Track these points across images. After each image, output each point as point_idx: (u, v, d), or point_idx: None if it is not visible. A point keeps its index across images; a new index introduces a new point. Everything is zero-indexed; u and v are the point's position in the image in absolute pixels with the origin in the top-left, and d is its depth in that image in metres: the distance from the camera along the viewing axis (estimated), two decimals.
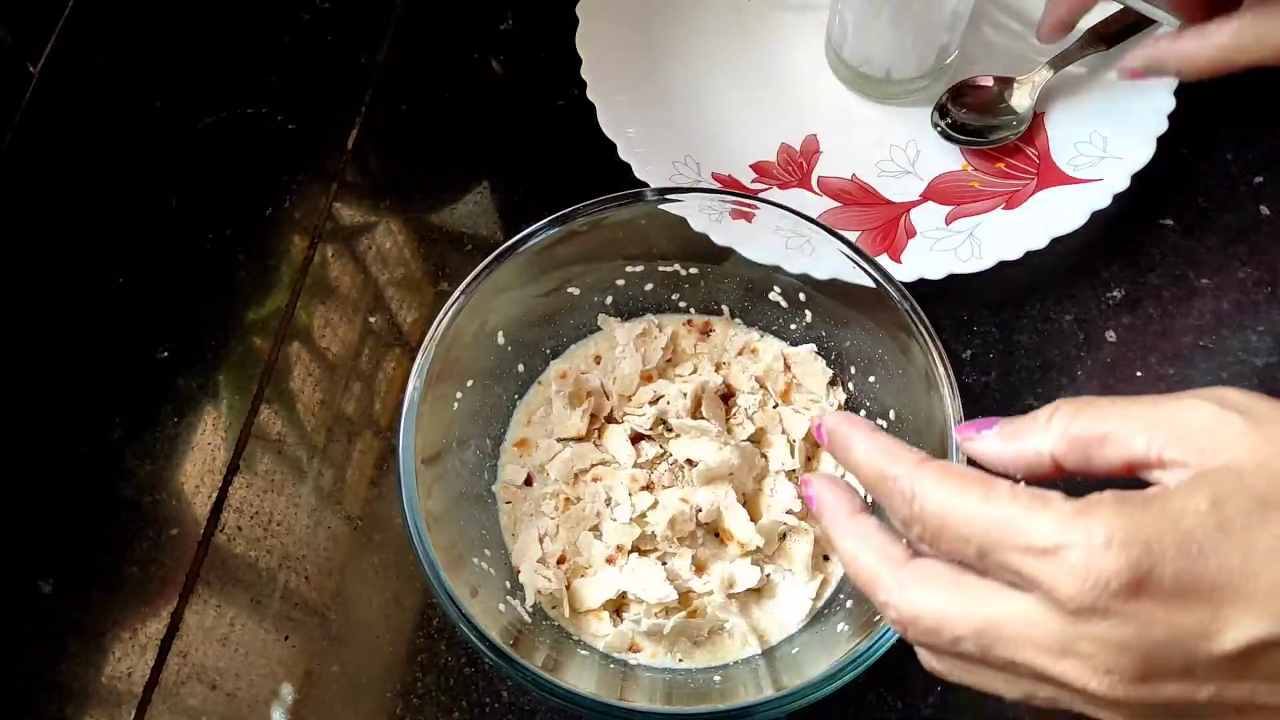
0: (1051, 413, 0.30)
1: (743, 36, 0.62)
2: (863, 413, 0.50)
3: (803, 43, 0.61)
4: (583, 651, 0.46)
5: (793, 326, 0.51)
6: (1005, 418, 0.32)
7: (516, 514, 0.49)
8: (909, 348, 0.45)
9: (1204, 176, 0.58)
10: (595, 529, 0.48)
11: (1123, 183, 0.54)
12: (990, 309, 0.55)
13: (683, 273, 0.51)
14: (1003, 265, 0.52)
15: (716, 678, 0.45)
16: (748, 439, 0.49)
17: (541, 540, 0.47)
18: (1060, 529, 0.27)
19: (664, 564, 0.46)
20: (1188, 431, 0.29)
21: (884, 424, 0.49)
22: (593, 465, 0.49)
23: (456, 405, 0.47)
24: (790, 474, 0.48)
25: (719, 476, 0.47)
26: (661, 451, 0.49)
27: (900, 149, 0.58)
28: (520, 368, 0.51)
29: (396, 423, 0.44)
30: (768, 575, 0.47)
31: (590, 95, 0.57)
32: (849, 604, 0.45)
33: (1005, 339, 0.54)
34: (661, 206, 0.48)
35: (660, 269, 0.51)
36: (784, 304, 0.51)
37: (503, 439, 0.50)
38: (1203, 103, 0.56)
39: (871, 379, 0.49)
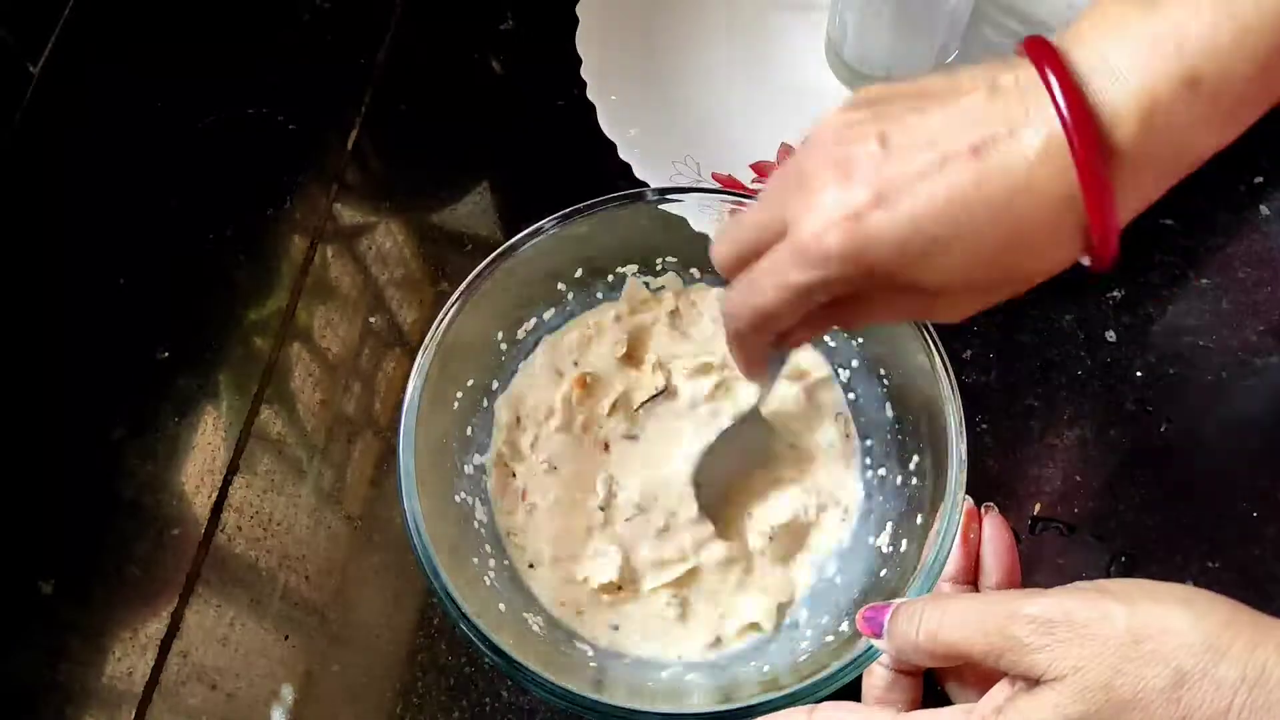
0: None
1: (743, 36, 0.62)
2: (863, 417, 0.50)
3: (803, 43, 0.61)
4: (583, 651, 0.46)
5: None
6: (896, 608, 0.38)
7: (515, 513, 0.49)
8: (909, 348, 0.45)
9: (1204, 176, 0.57)
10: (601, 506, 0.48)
11: None
12: (990, 309, 0.54)
13: (683, 272, 0.51)
14: None
15: (716, 677, 0.45)
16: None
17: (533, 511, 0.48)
18: None
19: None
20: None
21: (883, 426, 0.49)
22: (588, 422, 0.50)
23: (456, 405, 0.47)
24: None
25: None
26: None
27: None
28: (521, 367, 0.51)
29: (396, 423, 0.44)
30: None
31: (590, 95, 0.57)
32: (850, 605, 0.46)
33: (1005, 339, 0.54)
34: (661, 206, 0.48)
35: (660, 269, 0.51)
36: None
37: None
38: None
39: (872, 379, 0.49)
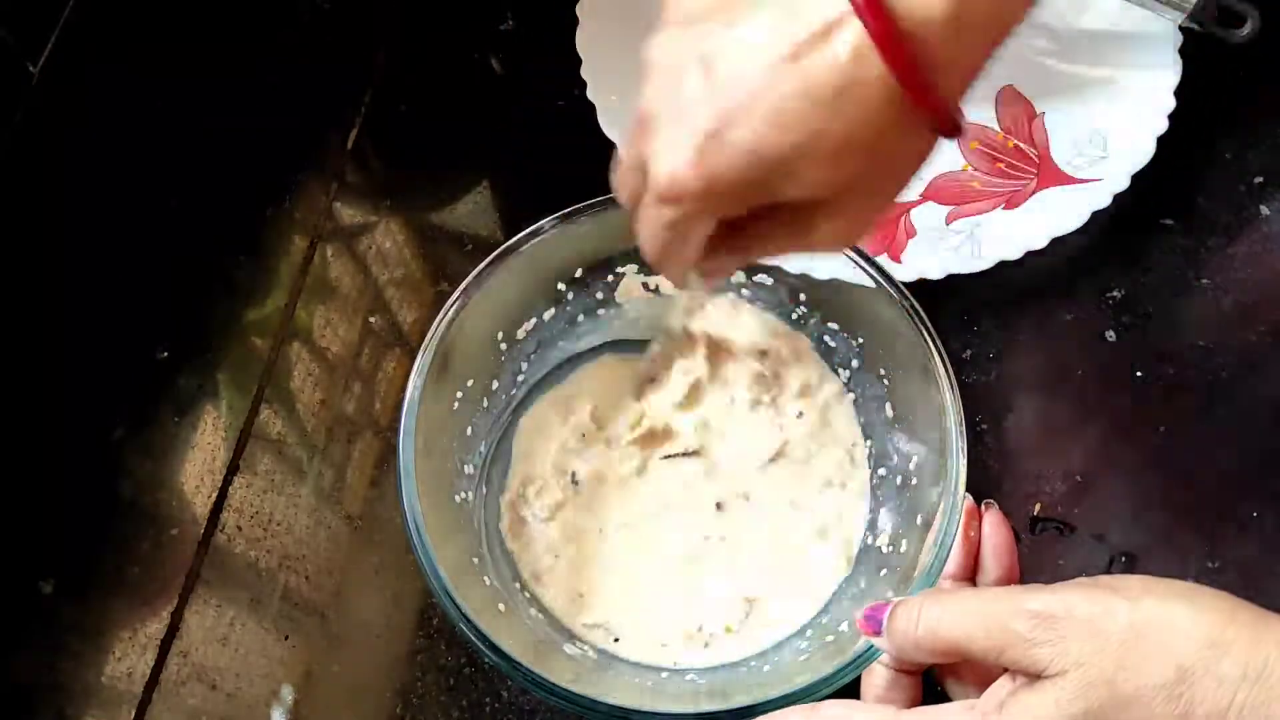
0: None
1: None
2: (862, 417, 0.50)
3: None
4: (583, 651, 0.46)
5: (793, 325, 0.51)
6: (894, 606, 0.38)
7: (517, 514, 0.49)
8: (909, 347, 0.45)
9: (1204, 176, 0.58)
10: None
11: (1123, 183, 0.54)
12: (990, 309, 0.55)
13: None
14: (1003, 265, 0.52)
15: (716, 677, 0.45)
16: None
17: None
18: None
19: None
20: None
21: (883, 424, 0.49)
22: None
23: (456, 405, 0.47)
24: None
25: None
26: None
27: None
28: (521, 367, 0.51)
29: (396, 423, 0.44)
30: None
31: (590, 95, 0.57)
32: (849, 603, 0.46)
33: (1005, 339, 0.54)
34: None
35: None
36: (784, 304, 0.51)
37: (502, 438, 0.50)
38: (1203, 103, 0.56)
39: (872, 378, 0.49)
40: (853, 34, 0.30)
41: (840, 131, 0.31)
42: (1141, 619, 0.32)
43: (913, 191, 0.57)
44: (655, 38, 0.34)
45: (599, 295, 0.51)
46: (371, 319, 0.56)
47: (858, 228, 0.36)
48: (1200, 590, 0.33)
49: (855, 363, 0.50)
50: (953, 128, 0.32)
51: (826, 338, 0.51)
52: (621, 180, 0.38)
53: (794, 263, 0.49)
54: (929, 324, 0.45)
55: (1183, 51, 0.56)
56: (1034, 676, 0.33)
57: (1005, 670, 0.35)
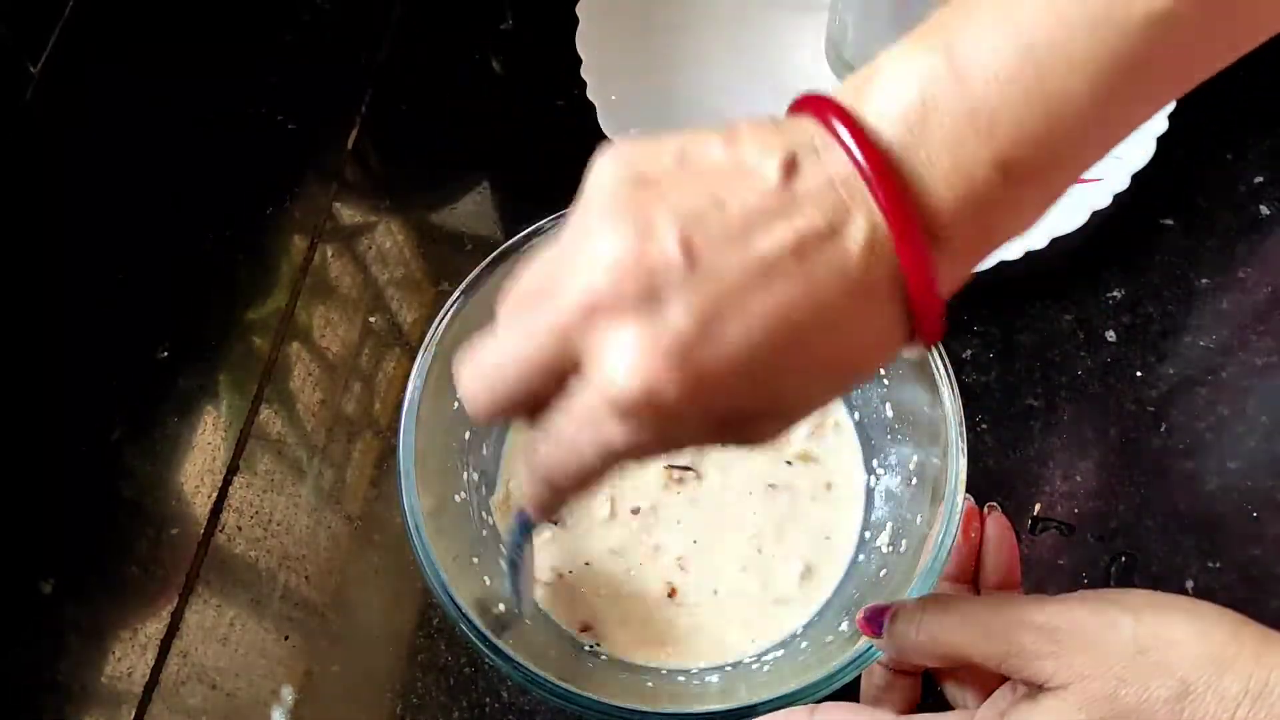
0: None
1: (743, 36, 0.62)
2: (859, 415, 0.50)
3: (803, 43, 0.61)
4: (583, 651, 0.46)
5: None
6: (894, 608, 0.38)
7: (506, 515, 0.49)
8: None
9: (1204, 176, 0.58)
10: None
11: (1123, 183, 0.54)
12: (990, 309, 0.55)
13: None
14: (1003, 265, 0.52)
15: (715, 677, 0.45)
16: None
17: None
18: None
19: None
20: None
21: (883, 426, 0.49)
22: None
23: (456, 405, 0.47)
24: None
25: None
26: None
27: None
28: None
29: (396, 423, 0.44)
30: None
31: (590, 95, 0.57)
32: (850, 604, 0.45)
33: (1005, 339, 0.54)
34: None
35: None
36: None
37: (503, 438, 0.50)
38: (1203, 103, 0.56)
39: (871, 379, 0.49)
40: (867, 234, 0.26)
41: (840, 339, 0.27)
42: (1145, 634, 0.32)
43: None
44: (603, 170, 0.27)
45: None
46: (371, 319, 0.56)
47: (784, 431, 0.30)
48: (1204, 607, 0.33)
49: None
50: (938, 335, 0.28)
51: None
52: (498, 383, 0.29)
53: None
54: None
55: None
56: (1035, 688, 0.33)
57: (1005, 678, 0.35)
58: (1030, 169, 0.27)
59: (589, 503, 0.49)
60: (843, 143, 0.26)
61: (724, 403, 0.27)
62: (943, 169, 0.26)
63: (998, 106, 0.26)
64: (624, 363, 0.26)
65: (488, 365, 0.29)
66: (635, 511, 0.48)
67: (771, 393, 0.27)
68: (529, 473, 0.31)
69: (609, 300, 0.26)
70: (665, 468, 0.49)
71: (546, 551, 0.48)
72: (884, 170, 0.26)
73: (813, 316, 0.26)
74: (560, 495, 0.30)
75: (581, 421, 0.28)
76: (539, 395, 0.29)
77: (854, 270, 0.26)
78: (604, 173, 0.27)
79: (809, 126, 0.27)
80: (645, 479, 0.49)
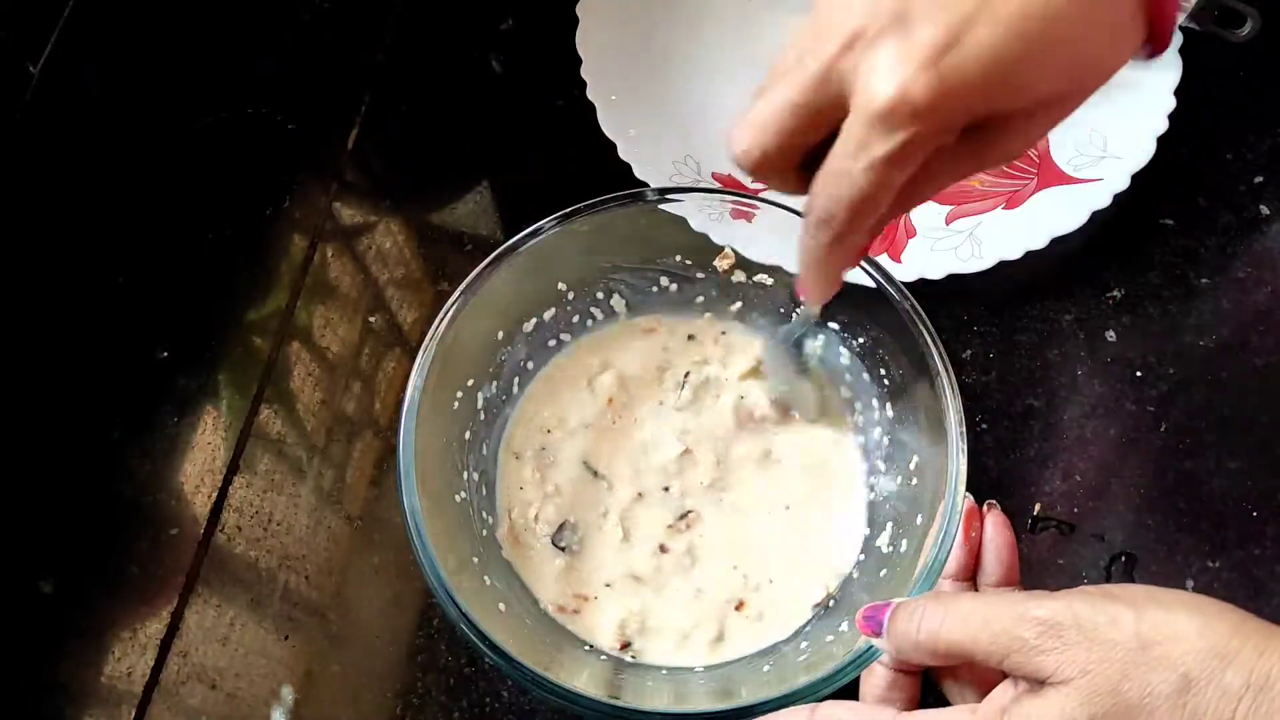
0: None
1: (743, 37, 0.62)
2: (860, 417, 0.50)
3: None
4: (583, 651, 0.46)
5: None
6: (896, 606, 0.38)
7: (516, 510, 0.49)
8: (909, 347, 0.45)
9: (1204, 176, 0.58)
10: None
11: (1123, 183, 0.54)
12: (990, 309, 0.55)
13: (683, 273, 0.51)
14: (1003, 265, 0.52)
15: (716, 677, 0.45)
16: None
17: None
18: None
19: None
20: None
21: (882, 426, 0.49)
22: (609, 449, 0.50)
23: (456, 405, 0.47)
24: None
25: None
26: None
27: None
28: (521, 367, 0.51)
29: (396, 423, 0.44)
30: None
31: (590, 95, 0.57)
32: (851, 603, 0.45)
33: (1005, 339, 0.54)
34: (661, 206, 0.48)
35: (661, 269, 0.51)
36: (785, 304, 0.51)
37: (503, 439, 0.50)
38: (1203, 103, 0.56)
39: (871, 378, 0.49)
40: None
41: (1077, 32, 0.30)
42: (1147, 629, 0.32)
43: None
44: None
45: (599, 295, 0.51)
46: (371, 319, 0.56)
47: (1032, 142, 0.34)
48: (1206, 601, 0.33)
49: (855, 363, 0.50)
50: (1166, 40, 0.31)
51: (826, 337, 0.51)
52: (774, 125, 0.32)
53: (794, 262, 0.49)
54: (929, 324, 0.45)
55: (1183, 51, 0.56)
56: (1037, 683, 0.33)
57: (1004, 675, 0.35)
58: None
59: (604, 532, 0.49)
60: None
61: (978, 104, 0.30)
62: None
63: None
64: (884, 73, 0.29)
65: (764, 114, 0.32)
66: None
67: (1019, 93, 0.30)
68: (802, 254, 0.35)
69: (868, 27, 0.30)
70: (666, 527, 0.49)
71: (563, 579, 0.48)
72: None
73: (1053, 9, 0.29)
74: (836, 239, 0.33)
75: (849, 146, 0.31)
76: (808, 141, 0.32)
77: None
78: None
79: None
80: (648, 479, 0.49)
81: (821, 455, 0.50)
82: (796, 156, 0.33)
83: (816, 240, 0.34)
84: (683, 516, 0.49)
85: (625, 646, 0.46)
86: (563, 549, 0.48)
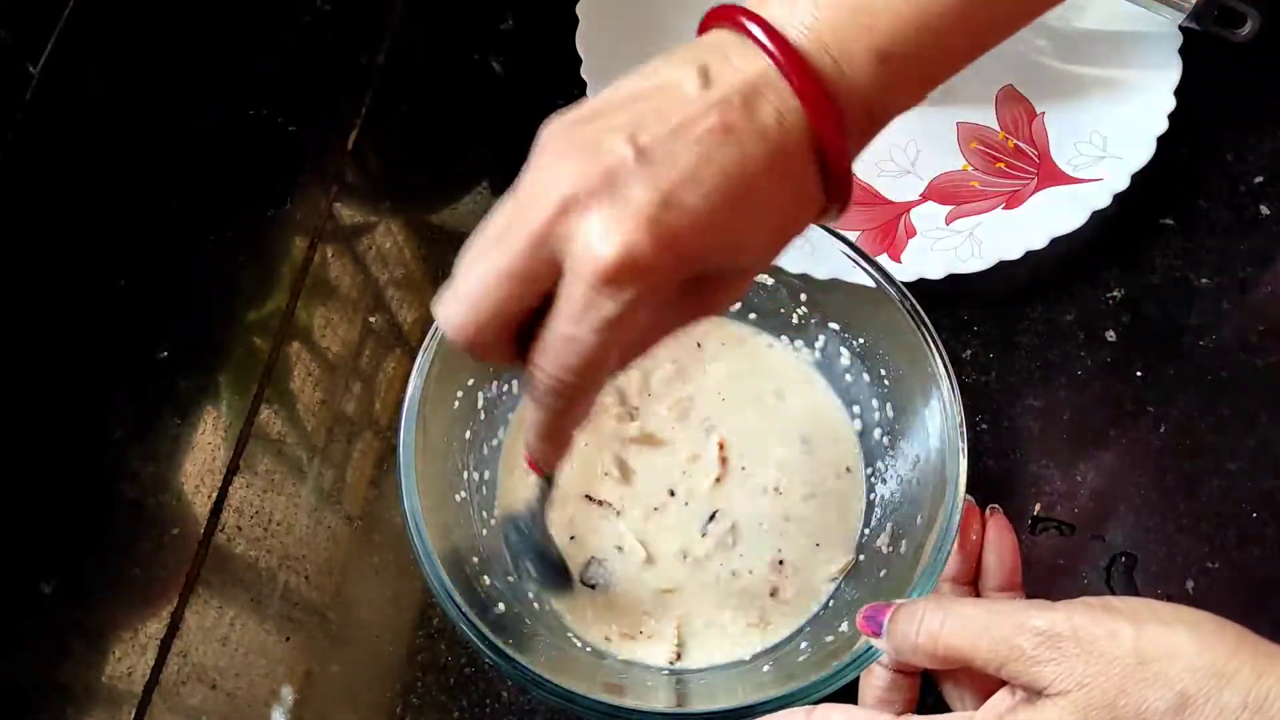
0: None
1: None
2: (858, 419, 0.50)
3: None
4: (583, 651, 0.46)
5: (793, 325, 0.51)
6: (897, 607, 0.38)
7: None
8: (909, 347, 0.45)
9: (1204, 176, 0.58)
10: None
11: (1123, 183, 0.54)
12: (990, 309, 0.55)
13: None
14: (1003, 265, 0.52)
15: (716, 677, 0.45)
16: None
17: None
18: None
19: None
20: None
21: (881, 426, 0.49)
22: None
23: (456, 405, 0.47)
24: None
25: None
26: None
27: (900, 149, 0.58)
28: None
29: (396, 423, 0.44)
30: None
31: (590, 95, 0.57)
32: (852, 604, 0.46)
33: (1005, 339, 0.54)
34: None
35: None
36: (784, 304, 0.51)
37: (502, 439, 0.50)
38: (1203, 103, 0.57)
39: (871, 378, 0.49)
40: (776, 107, 0.31)
41: (779, 198, 0.32)
42: (1146, 644, 0.32)
43: (913, 191, 0.57)
44: (548, 129, 0.32)
45: None
46: (371, 319, 0.56)
47: (746, 288, 0.36)
48: (1206, 618, 0.33)
49: (855, 363, 0.50)
50: (848, 198, 0.33)
51: (826, 337, 0.51)
52: (484, 298, 0.32)
53: (794, 262, 0.49)
54: (929, 324, 0.45)
55: (1183, 51, 0.56)
56: (1034, 693, 0.33)
57: (1003, 681, 0.35)
58: (903, 59, 0.32)
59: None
60: (752, 35, 0.31)
61: (694, 257, 0.31)
62: (833, 56, 0.31)
63: (879, 8, 0.31)
64: (602, 234, 0.30)
65: (473, 286, 0.32)
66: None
67: (731, 245, 0.32)
68: (530, 414, 0.35)
69: (578, 193, 0.30)
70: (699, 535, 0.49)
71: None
72: (789, 52, 0.31)
73: (751, 177, 0.31)
74: (575, 402, 0.34)
75: (574, 309, 0.31)
76: (521, 311, 0.32)
77: (772, 137, 0.31)
78: (548, 129, 0.32)
79: (717, 36, 0.32)
80: (647, 479, 0.49)
81: (822, 455, 0.50)
82: (513, 327, 0.32)
83: (550, 410, 0.34)
84: (711, 518, 0.49)
85: (676, 659, 0.46)
86: (593, 587, 0.48)
